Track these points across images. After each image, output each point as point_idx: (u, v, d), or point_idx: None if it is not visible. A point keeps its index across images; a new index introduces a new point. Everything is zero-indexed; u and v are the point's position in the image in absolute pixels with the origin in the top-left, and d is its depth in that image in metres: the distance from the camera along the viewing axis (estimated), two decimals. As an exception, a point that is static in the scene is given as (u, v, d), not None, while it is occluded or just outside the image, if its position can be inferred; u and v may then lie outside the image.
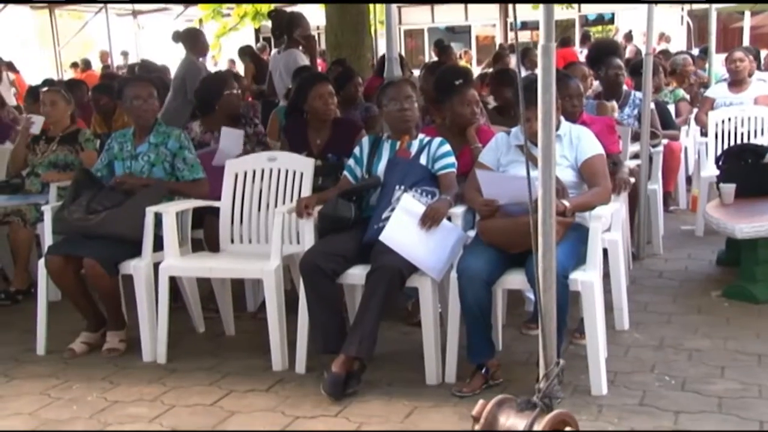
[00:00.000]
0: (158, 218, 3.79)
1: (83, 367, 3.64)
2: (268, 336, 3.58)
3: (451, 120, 3.98)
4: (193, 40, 6.43)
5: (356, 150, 3.81)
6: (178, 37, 6.61)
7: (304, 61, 6.29)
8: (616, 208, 3.71)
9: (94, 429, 3.03)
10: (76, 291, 3.84)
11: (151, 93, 4.07)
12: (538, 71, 2.46)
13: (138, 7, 15.04)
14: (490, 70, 8.92)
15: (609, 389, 3.16)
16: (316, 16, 15.38)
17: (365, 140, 3.84)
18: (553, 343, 2.61)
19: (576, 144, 3.42)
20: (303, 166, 4.01)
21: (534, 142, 3.01)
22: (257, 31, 19.21)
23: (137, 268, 3.73)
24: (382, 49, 9.90)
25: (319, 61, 13.92)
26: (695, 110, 6.65)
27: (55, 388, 3.41)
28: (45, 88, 5.36)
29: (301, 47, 6.40)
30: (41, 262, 3.83)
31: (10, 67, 13.52)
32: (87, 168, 4.32)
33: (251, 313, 4.35)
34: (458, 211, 3.48)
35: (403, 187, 3.54)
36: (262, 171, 4.06)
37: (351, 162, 3.80)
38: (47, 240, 4.00)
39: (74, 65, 14.69)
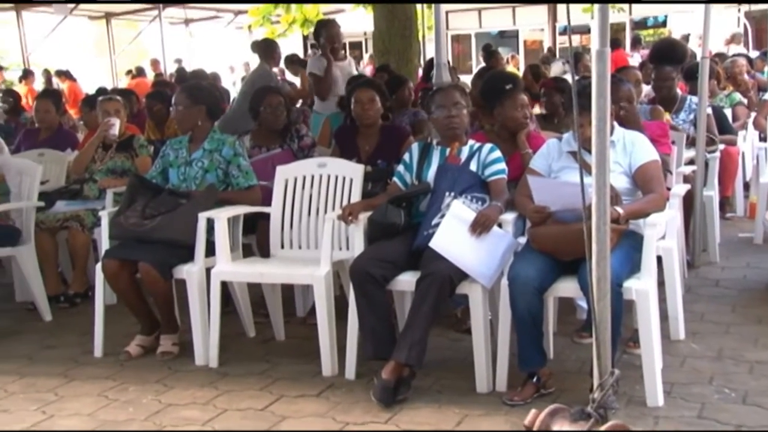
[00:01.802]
0: (210, 224, 3.84)
1: (138, 370, 3.71)
2: (317, 341, 3.60)
3: (502, 125, 3.95)
4: (267, 50, 6.79)
5: (406, 156, 3.82)
6: (255, 47, 6.90)
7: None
8: (672, 215, 3.64)
9: (150, 431, 3.08)
10: (132, 294, 3.91)
11: (187, 102, 4.15)
12: (593, 76, 2.43)
13: (190, 15, 15.32)
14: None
15: (665, 401, 3.09)
16: (364, 22, 15.50)
17: (415, 146, 3.84)
18: (608, 353, 2.57)
19: (630, 150, 3.37)
20: (353, 172, 4.02)
21: (587, 148, 2.98)
22: (305, 38, 19.37)
23: (190, 272, 3.78)
24: (429, 55, 9.90)
25: (370, 68, 14.01)
26: (753, 114, 6.49)
27: (112, 390, 3.48)
28: (102, 97, 5.48)
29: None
30: (98, 266, 3.91)
31: (67, 75, 13.91)
32: (141, 174, 4.41)
33: (300, 318, 4.38)
34: (509, 217, 3.46)
35: (453, 194, 3.53)
36: (312, 177, 4.09)
37: (401, 168, 3.80)
38: (104, 244, 4.09)
39: (128, 73, 15.02)
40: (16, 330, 4.41)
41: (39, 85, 13.62)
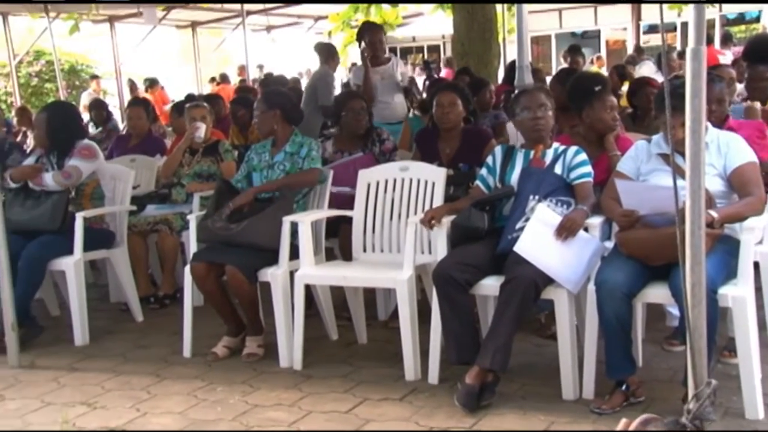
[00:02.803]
0: (294, 227, 3.89)
1: (225, 370, 3.79)
2: (399, 345, 3.60)
3: (590, 127, 3.87)
4: (328, 54, 6.85)
5: (489, 159, 3.78)
6: (317, 48, 6.99)
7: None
8: (769, 219, 3.49)
9: (238, 431, 3.14)
10: (218, 296, 4.00)
11: (263, 107, 4.24)
12: (687, 75, 2.35)
13: (272, 21, 15.61)
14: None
15: (766, 413, 2.96)
16: (442, 26, 15.46)
17: (498, 149, 3.80)
18: (703, 362, 2.47)
19: (725, 152, 3.24)
20: (435, 175, 4.01)
21: (679, 151, 2.88)
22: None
23: (274, 275, 3.84)
24: (509, 57, 9.80)
25: (446, 70, 13.98)
26: None
27: (201, 390, 3.56)
28: (189, 104, 5.63)
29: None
30: (187, 268, 4.02)
31: (153, 83, 14.38)
32: (227, 179, 4.52)
33: (383, 322, 4.39)
34: (596, 221, 3.38)
35: (537, 197, 3.47)
36: (394, 181, 4.10)
37: (483, 171, 3.77)
38: (192, 247, 4.20)
39: (212, 80, 15.41)
40: (111, 329, 4.57)
41: (128, 92, 14.13)
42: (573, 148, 3.60)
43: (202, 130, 5.12)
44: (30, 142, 6.79)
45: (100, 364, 3.98)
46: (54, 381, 3.76)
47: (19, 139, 8.29)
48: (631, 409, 3.00)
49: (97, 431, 3.18)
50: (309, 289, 3.95)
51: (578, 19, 20.67)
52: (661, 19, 2.22)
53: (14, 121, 10.19)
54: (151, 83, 14.34)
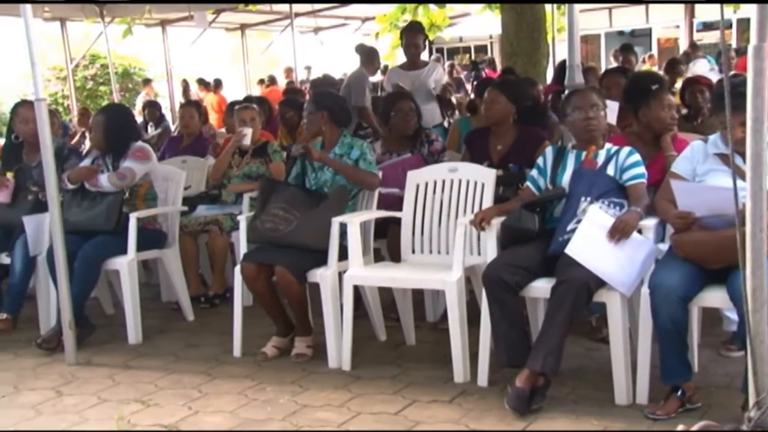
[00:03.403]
0: (343, 228, 3.90)
1: (275, 370, 3.81)
2: (448, 346, 3.58)
3: (646, 126, 3.80)
4: (368, 57, 6.82)
5: (539, 160, 3.74)
6: (358, 49, 6.97)
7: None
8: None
9: (288, 431, 3.16)
10: (268, 297, 4.03)
11: (311, 108, 4.27)
12: (748, 74, 2.29)
13: (320, 23, 15.71)
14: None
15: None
16: (490, 26, 15.36)
17: (549, 150, 3.76)
18: (765, 368, 2.40)
19: None
20: (484, 176, 3.98)
21: (738, 151, 2.81)
22: (431, 43, 19.44)
23: (323, 276, 3.86)
24: (558, 56, 9.68)
25: (488, 70, 13.88)
26: None
27: (251, 389, 3.59)
28: (238, 106, 5.70)
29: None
30: (237, 268, 4.06)
31: (207, 86, 14.60)
32: (272, 178, 4.55)
33: (431, 323, 4.37)
34: (650, 223, 3.32)
35: (589, 199, 3.42)
36: (443, 182, 4.09)
37: (534, 172, 3.73)
38: (242, 248, 4.24)
39: (261, 82, 15.57)
40: (162, 328, 4.64)
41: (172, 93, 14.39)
42: (626, 149, 3.53)
43: (248, 137, 5.17)
44: (88, 143, 6.94)
45: (152, 362, 4.04)
46: (109, 378, 3.83)
47: (76, 140, 8.50)
48: (687, 416, 2.93)
49: (152, 431, 3.22)
50: (357, 290, 3.95)
51: (629, 18, 20.33)
52: (722, 15, 2.16)
53: (71, 123, 10.46)
54: (217, 84, 14.58)
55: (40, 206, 4.35)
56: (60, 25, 11.93)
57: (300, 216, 3.96)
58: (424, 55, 6.93)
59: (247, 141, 5.17)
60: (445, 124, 6.57)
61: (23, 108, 4.76)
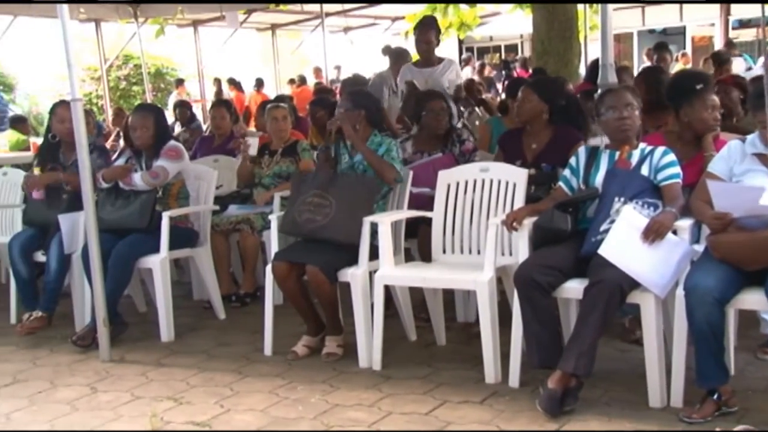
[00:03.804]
0: (374, 228, 3.90)
1: (305, 369, 3.82)
2: (479, 347, 3.57)
3: (687, 126, 3.74)
4: (395, 59, 6.72)
5: (572, 160, 3.71)
6: (386, 51, 6.92)
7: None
8: None
9: (319, 430, 3.16)
10: (299, 296, 4.05)
11: (348, 105, 4.28)
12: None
13: (349, 23, 15.73)
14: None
15: None
16: (521, 25, 15.27)
17: (582, 150, 3.72)
18: (804, 373, 2.36)
19: None
20: (516, 176, 3.96)
21: (776, 150, 2.76)
22: (461, 42, 19.39)
23: (354, 276, 3.86)
24: (590, 55, 9.59)
25: (519, 70, 13.79)
26: None
27: (282, 388, 3.61)
28: (270, 105, 5.74)
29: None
30: (268, 267, 4.08)
31: (232, 84, 14.70)
32: (302, 171, 4.58)
33: (462, 324, 4.36)
34: (685, 224, 3.27)
35: (623, 199, 3.39)
36: (475, 181, 4.07)
37: (567, 172, 3.70)
38: (273, 247, 4.26)
39: (291, 81, 15.64)
40: (194, 327, 4.68)
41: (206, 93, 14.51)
42: (661, 149, 3.49)
43: (253, 146, 5.24)
44: (122, 143, 7.03)
45: (184, 360, 4.08)
46: (142, 375, 3.87)
47: (111, 139, 8.61)
48: (723, 420, 2.89)
49: (185, 429, 3.25)
50: (387, 290, 3.95)
51: (662, 16, 20.07)
52: (762, 12, 2.12)
53: (105, 123, 10.60)
54: (259, 84, 14.70)
55: (75, 205, 4.40)
56: (95, 26, 12.09)
57: (335, 202, 3.96)
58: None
59: (253, 151, 5.23)
60: (459, 124, 6.44)
61: (60, 108, 4.84)
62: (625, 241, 3.20)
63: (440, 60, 5.96)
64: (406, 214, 4.15)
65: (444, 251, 4.09)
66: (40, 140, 6.17)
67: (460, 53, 19.58)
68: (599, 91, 4.50)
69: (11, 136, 9.49)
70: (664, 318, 3.30)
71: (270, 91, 14.42)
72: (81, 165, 3.97)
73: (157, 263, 4.41)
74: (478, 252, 3.96)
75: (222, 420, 3.31)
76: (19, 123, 9.91)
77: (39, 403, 3.59)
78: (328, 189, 4.03)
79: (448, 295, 4.33)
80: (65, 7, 3.83)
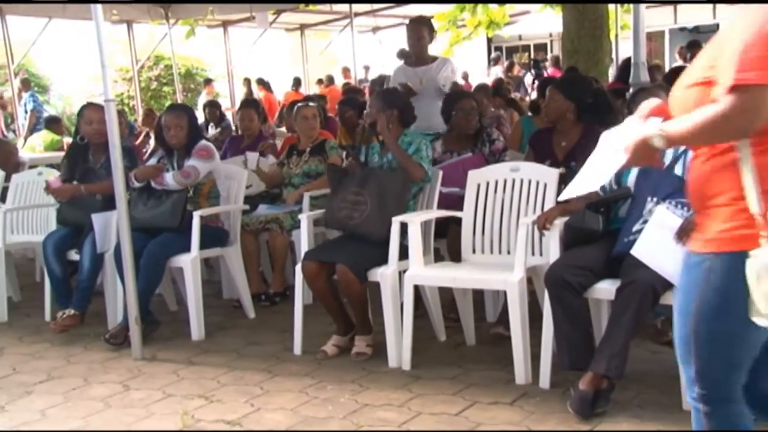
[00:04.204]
0: (403, 228, 3.90)
1: (335, 369, 3.83)
2: (509, 347, 3.55)
3: None
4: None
5: (604, 159, 3.67)
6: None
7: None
8: None
9: (349, 430, 3.17)
10: (328, 295, 4.06)
11: (380, 104, 4.27)
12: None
13: (378, 22, 15.74)
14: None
15: None
16: (550, 24, 15.17)
17: (613, 149, 3.68)
18: None
19: None
20: (547, 176, 3.93)
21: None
22: (489, 41, 19.30)
23: (384, 275, 3.86)
24: (621, 54, 9.51)
25: (551, 69, 13.70)
26: None
27: (311, 387, 3.62)
28: (300, 103, 5.77)
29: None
30: (298, 267, 4.09)
31: (265, 85, 14.78)
32: (336, 163, 4.61)
33: (491, 324, 4.34)
34: (719, 224, 3.22)
35: (655, 199, 3.34)
36: (505, 181, 4.05)
37: (598, 172, 3.66)
38: (303, 246, 4.28)
39: (319, 81, 15.69)
40: (224, 325, 4.72)
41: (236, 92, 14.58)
42: (695, 148, 3.44)
43: (251, 161, 5.40)
44: (152, 143, 7.11)
45: (215, 358, 4.11)
46: (174, 374, 3.91)
47: (141, 139, 8.70)
48: (765, 425, 2.83)
49: (216, 429, 3.27)
50: (417, 290, 3.94)
51: (694, 14, 19.80)
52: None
53: (136, 123, 10.71)
54: (297, 83, 14.79)
55: (108, 205, 4.46)
56: (126, 28, 12.24)
57: (369, 200, 4.00)
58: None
59: (251, 165, 5.40)
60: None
61: (88, 110, 4.91)
62: (658, 241, 3.16)
63: (433, 58, 5.73)
64: (435, 213, 4.15)
65: (474, 251, 4.08)
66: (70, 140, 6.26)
67: (489, 52, 19.51)
68: (630, 90, 4.47)
69: (46, 137, 9.65)
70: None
71: (303, 92, 14.48)
72: (114, 165, 4.02)
73: (188, 262, 4.44)
74: (508, 252, 3.94)
75: (252, 419, 3.32)
76: (54, 123, 10.05)
77: (73, 400, 3.64)
78: (364, 186, 4.07)
79: (477, 295, 4.31)
80: (99, 7, 3.87)
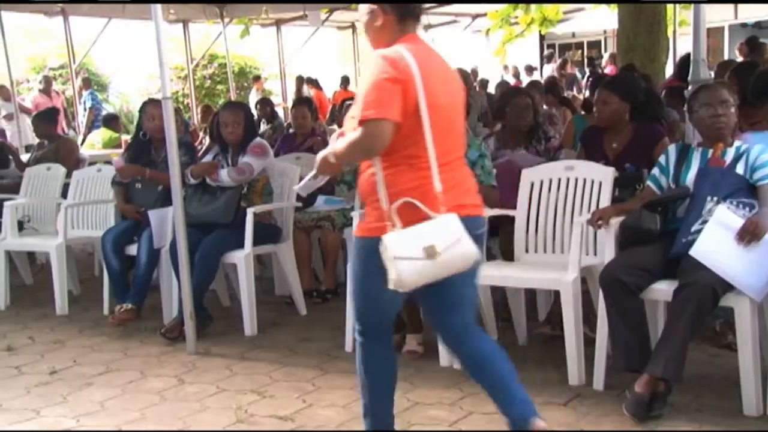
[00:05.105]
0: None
1: (386, 366, 3.83)
2: (561, 348, 3.51)
3: None
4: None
5: (662, 158, 3.60)
6: None
7: None
8: None
9: (400, 429, 3.16)
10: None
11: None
12: None
13: (430, 20, 15.68)
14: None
15: None
16: (604, 20, 14.93)
17: (672, 148, 3.61)
18: None
19: None
20: (602, 175, 3.87)
21: None
22: (542, 38, 19.08)
23: (435, 274, 3.84)
24: (679, 50, 9.29)
25: (610, 67, 13.48)
26: None
27: (362, 385, 3.63)
28: (348, 101, 5.79)
29: None
30: (349, 265, 4.09)
31: (315, 84, 14.88)
32: None
33: (541, 323, 4.29)
34: (785, 225, 3.13)
35: (715, 199, 3.27)
36: (559, 180, 3.99)
37: (656, 171, 3.59)
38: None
39: (369, 79, 15.68)
40: (276, 321, 4.76)
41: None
42: (758, 146, 3.35)
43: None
44: (207, 140, 7.22)
45: (267, 354, 4.15)
46: (227, 368, 3.96)
47: (200, 137, 8.85)
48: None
49: (269, 426, 3.30)
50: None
51: (756, 9, 19.23)
52: None
53: (192, 121, 10.90)
54: (344, 82, 14.90)
55: (167, 201, 4.53)
56: (182, 27, 12.45)
57: None
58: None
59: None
60: None
61: (150, 106, 5.01)
62: (718, 242, 3.10)
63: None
64: (489, 212, 4.10)
65: (527, 250, 4.03)
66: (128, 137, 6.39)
67: (542, 49, 19.28)
68: (689, 87, 4.36)
69: (104, 134, 9.87)
70: (760, 322, 3.17)
71: (352, 90, 14.54)
72: (170, 162, 4.08)
73: (242, 259, 4.49)
74: (562, 251, 3.88)
75: (305, 414, 3.35)
76: (112, 121, 10.28)
77: (130, 392, 3.72)
78: None
79: (529, 294, 4.26)
80: (159, 7, 3.94)
